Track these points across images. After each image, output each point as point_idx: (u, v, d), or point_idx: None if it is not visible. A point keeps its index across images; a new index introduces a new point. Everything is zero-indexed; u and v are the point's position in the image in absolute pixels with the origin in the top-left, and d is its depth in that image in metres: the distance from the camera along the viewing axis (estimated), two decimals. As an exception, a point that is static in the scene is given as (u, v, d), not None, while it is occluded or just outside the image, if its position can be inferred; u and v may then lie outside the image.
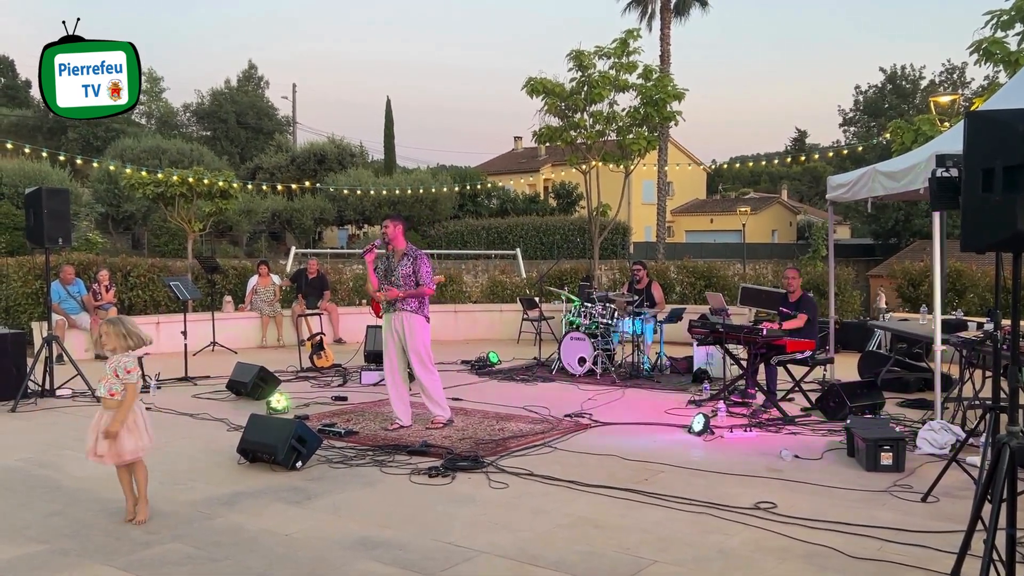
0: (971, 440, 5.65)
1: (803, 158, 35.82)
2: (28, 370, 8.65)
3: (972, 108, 9.95)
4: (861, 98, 52.44)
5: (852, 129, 53.27)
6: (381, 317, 10.22)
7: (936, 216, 7.03)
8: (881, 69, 51.67)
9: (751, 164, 52.97)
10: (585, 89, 15.62)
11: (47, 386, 8.80)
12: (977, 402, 7.06)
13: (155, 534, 4.58)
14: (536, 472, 5.78)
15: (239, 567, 4.13)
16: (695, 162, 49.73)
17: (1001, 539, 3.33)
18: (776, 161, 45.25)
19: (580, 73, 15.67)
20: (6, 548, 4.38)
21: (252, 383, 8.68)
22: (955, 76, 47.40)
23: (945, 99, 16.86)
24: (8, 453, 6.40)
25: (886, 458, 5.81)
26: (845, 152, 41.10)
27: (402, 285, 7.17)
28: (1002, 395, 4.40)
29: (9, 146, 26.32)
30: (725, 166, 52.24)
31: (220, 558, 4.24)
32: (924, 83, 49.55)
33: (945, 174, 4.55)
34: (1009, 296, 3.54)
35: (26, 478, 5.75)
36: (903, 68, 50.79)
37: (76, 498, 5.26)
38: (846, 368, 9.98)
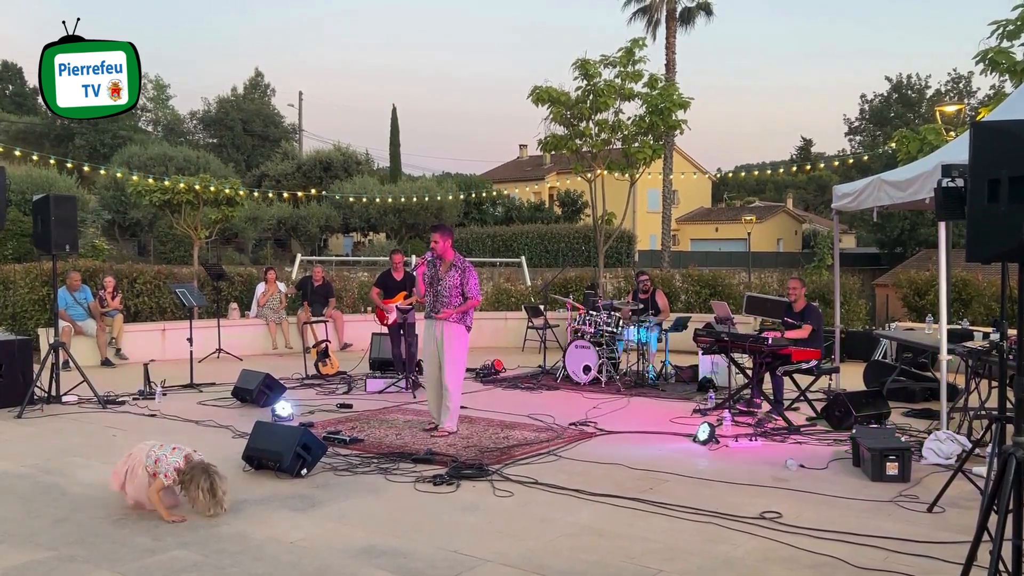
0: (977, 450, 5.64)
1: (808, 167, 35.78)
2: (34, 376, 8.68)
3: (978, 118, 9.95)
4: (867, 107, 52.50)
5: (858, 138, 53.31)
6: (386, 325, 10.41)
7: (942, 226, 7.03)
8: (887, 78, 51.77)
9: (756, 173, 53.02)
10: (590, 98, 15.63)
11: (53, 392, 8.82)
12: (983, 412, 7.04)
13: (161, 541, 4.60)
14: (541, 481, 5.79)
15: (244, 574, 4.14)
16: (700, 171, 49.79)
17: (1007, 550, 3.33)
18: (781, 170, 45.31)
19: (585, 82, 15.68)
20: (14, 554, 4.40)
21: (257, 390, 8.69)
22: (961, 85, 47.46)
23: (951, 109, 16.84)
24: (15, 460, 6.42)
25: (892, 468, 5.80)
26: (851, 161, 41.04)
27: (447, 295, 7.40)
28: (1008, 405, 4.39)
29: (17, 153, 26.50)
30: (730, 175, 52.24)
31: (226, 565, 4.25)
32: (930, 92, 49.62)
33: (951, 184, 4.54)
34: (1015, 306, 3.54)
35: (33, 485, 5.77)
36: (909, 77, 50.90)
37: (82, 505, 5.27)
38: (852, 377, 9.96)
